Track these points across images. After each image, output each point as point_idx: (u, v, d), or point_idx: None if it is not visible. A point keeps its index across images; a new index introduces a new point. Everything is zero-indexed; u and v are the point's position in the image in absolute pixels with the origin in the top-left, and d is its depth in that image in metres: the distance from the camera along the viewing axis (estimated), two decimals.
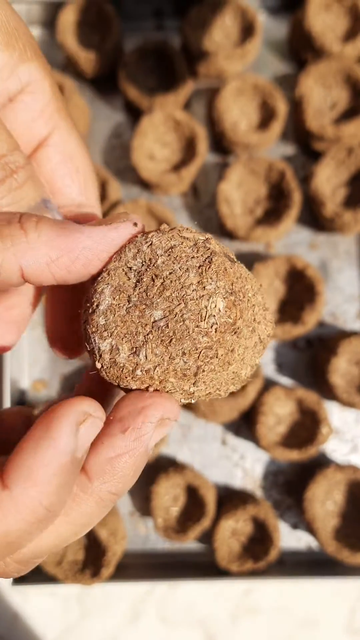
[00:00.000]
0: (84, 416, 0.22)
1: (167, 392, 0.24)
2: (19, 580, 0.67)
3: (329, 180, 0.70)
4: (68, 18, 0.72)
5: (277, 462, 0.71)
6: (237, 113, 0.73)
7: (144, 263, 0.24)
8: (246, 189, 0.72)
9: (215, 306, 0.23)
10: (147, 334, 0.23)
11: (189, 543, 0.70)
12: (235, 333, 0.23)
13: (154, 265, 0.24)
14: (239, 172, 0.70)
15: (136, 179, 0.74)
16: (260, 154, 0.74)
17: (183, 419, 0.71)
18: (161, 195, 0.75)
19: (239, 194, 0.72)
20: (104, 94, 0.77)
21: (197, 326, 0.23)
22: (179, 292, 0.23)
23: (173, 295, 0.23)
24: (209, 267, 0.23)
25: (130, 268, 0.24)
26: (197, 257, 0.24)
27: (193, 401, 0.25)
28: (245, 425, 0.71)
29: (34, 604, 0.71)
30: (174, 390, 0.24)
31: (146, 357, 0.23)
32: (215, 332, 0.23)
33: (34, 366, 0.73)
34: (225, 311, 0.23)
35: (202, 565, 0.69)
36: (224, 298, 0.23)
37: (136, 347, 0.23)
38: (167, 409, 0.23)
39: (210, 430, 0.72)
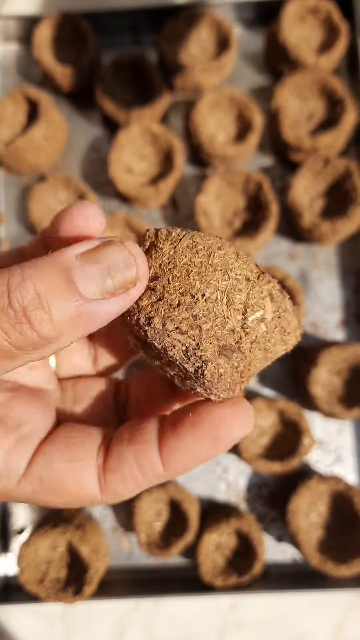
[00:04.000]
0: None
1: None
2: (2, 600, 0.66)
3: (306, 191, 0.70)
4: (44, 34, 0.73)
5: (261, 475, 0.71)
6: (214, 125, 0.74)
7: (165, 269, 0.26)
8: (224, 201, 0.72)
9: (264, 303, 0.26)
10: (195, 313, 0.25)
11: (173, 558, 0.69)
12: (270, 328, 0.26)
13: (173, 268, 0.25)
14: (216, 184, 0.71)
15: (115, 193, 0.74)
16: (238, 166, 0.74)
17: None
18: (140, 209, 0.75)
19: (217, 206, 0.72)
20: (82, 109, 0.77)
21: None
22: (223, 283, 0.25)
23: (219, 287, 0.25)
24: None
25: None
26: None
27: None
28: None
29: (19, 623, 0.70)
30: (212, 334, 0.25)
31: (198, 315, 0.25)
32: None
33: None
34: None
35: (187, 580, 0.68)
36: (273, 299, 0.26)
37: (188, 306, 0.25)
38: (249, 426, 0.25)
39: None
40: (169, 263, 0.25)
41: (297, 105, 0.73)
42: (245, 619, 0.69)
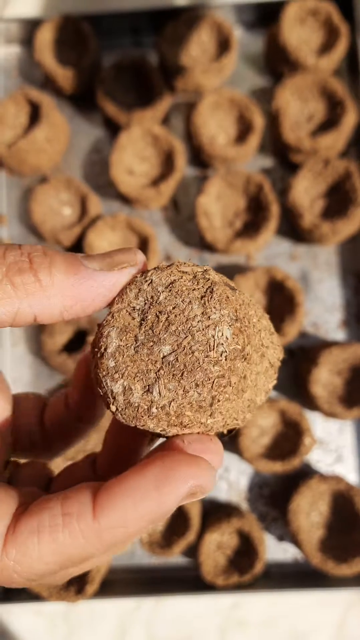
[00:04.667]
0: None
1: (185, 426, 0.23)
2: (4, 599, 0.66)
3: (306, 191, 0.71)
4: (45, 36, 0.73)
5: (262, 474, 0.71)
6: (215, 127, 0.74)
7: (146, 301, 0.24)
8: (225, 202, 0.72)
9: (222, 334, 0.23)
10: (158, 371, 0.23)
11: (175, 557, 0.70)
12: (245, 359, 0.23)
13: (156, 302, 0.24)
14: (217, 186, 0.71)
15: (116, 194, 0.75)
16: (239, 167, 0.74)
17: None
18: (141, 210, 0.75)
19: (218, 207, 0.72)
20: (83, 110, 0.78)
21: (207, 356, 0.23)
22: (184, 325, 0.23)
23: (179, 328, 0.23)
24: (211, 297, 0.23)
25: (134, 308, 0.24)
26: (198, 288, 0.24)
27: (215, 435, 0.24)
28: (229, 437, 0.71)
29: (21, 622, 0.70)
30: (191, 424, 0.23)
31: (160, 394, 0.23)
32: (226, 359, 0.23)
33: (16, 383, 0.72)
34: (233, 338, 0.23)
35: (189, 580, 0.68)
36: (230, 325, 0.23)
37: (149, 385, 0.23)
38: (207, 480, 0.21)
39: None
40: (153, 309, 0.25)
41: (298, 106, 0.73)
42: (247, 618, 0.69)
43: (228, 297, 0.24)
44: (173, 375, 0.23)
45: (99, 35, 0.75)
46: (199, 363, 0.23)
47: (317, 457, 0.71)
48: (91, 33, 0.72)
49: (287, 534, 0.70)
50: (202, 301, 0.23)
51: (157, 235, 0.73)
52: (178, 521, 0.68)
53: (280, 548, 0.70)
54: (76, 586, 0.64)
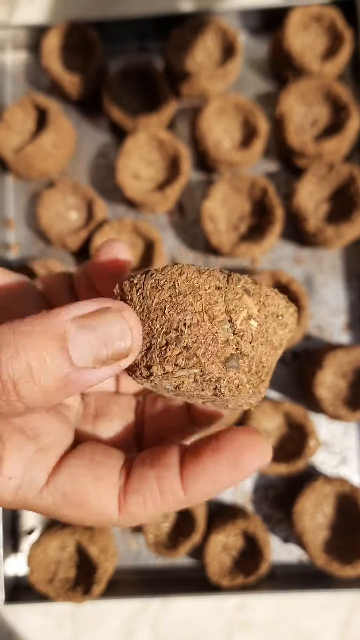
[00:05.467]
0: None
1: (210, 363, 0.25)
2: (12, 599, 0.67)
3: (311, 196, 0.71)
4: (52, 42, 0.74)
5: (267, 476, 0.71)
6: (220, 132, 0.75)
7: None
8: (230, 206, 0.73)
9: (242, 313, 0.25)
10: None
11: (181, 559, 0.70)
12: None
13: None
14: (222, 190, 0.72)
15: (122, 198, 0.75)
16: (243, 172, 0.75)
17: None
18: (147, 214, 0.76)
19: (223, 211, 0.73)
20: (89, 116, 0.79)
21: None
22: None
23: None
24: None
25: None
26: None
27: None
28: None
29: (28, 622, 0.71)
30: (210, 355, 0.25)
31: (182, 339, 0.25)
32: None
33: None
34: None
35: (195, 581, 0.69)
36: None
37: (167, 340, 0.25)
38: (267, 458, 0.26)
39: None
40: (142, 311, 0.25)
41: (302, 111, 0.74)
42: (252, 619, 0.70)
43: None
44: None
45: (105, 41, 0.76)
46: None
47: (322, 459, 0.71)
48: (97, 39, 0.73)
49: (292, 536, 0.70)
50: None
51: (163, 239, 0.74)
52: (184, 523, 0.68)
53: (285, 549, 0.70)
54: (83, 587, 0.64)
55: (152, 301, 0.25)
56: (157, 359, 0.25)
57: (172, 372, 0.25)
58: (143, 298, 0.25)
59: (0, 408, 0.22)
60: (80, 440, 0.30)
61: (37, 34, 0.76)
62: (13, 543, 0.71)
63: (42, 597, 0.66)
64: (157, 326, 0.25)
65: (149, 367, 0.25)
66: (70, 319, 0.23)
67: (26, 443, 0.26)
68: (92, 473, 0.26)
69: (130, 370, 0.26)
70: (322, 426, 0.72)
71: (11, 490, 0.25)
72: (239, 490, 0.71)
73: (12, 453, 0.25)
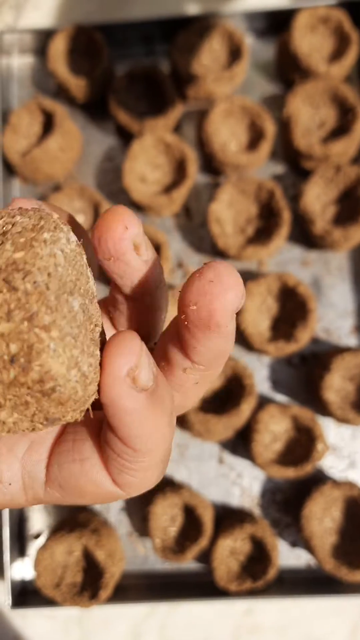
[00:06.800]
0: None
1: None
2: (19, 604, 0.67)
3: (318, 198, 0.71)
4: (58, 46, 0.74)
5: (275, 480, 0.71)
6: (226, 134, 0.74)
7: None
8: (237, 209, 0.73)
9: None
10: None
11: (188, 563, 0.70)
12: None
13: None
14: (229, 192, 0.71)
15: (129, 202, 0.75)
16: (250, 174, 0.75)
17: (179, 438, 0.72)
18: (154, 217, 0.76)
19: (229, 213, 0.73)
20: (96, 119, 0.79)
21: None
22: None
23: None
24: None
25: None
26: None
27: None
28: (242, 443, 0.71)
29: (35, 626, 0.70)
30: None
31: None
32: None
33: None
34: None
35: (202, 585, 0.69)
36: None
37: None
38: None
39: (207, 449, 0.72)
40: None
41: (309, 113, 0.74)
42: (260, 623, 0.69)
43: None
44: None
45: (112, 45, 0.76)
46: None
47: (330, 463, 0.71)
48: (104, 43, 0.73)
49: (300, 540, 0.70)
50: None
51: (170, 242, 0.74)
52: (191, 527, 0.68)
53: (293, 554, 0.70)
54: (90, 591, 0.64)
55: None
56: None
57: None
58: None
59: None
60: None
61: (43, 38, 0.76)
62: (20, 547, 0.70)
63: (48, 602, 0.66)
64: None
65: None
66: None
67: (18, 440, 0.25)
68: (77, 456, 0.24)
69: None
70: (330, 430, 0.71)
71: (20, 493, 0.25)
72: (246, 494, 0.71)
73: (5, 458, 0.24)
